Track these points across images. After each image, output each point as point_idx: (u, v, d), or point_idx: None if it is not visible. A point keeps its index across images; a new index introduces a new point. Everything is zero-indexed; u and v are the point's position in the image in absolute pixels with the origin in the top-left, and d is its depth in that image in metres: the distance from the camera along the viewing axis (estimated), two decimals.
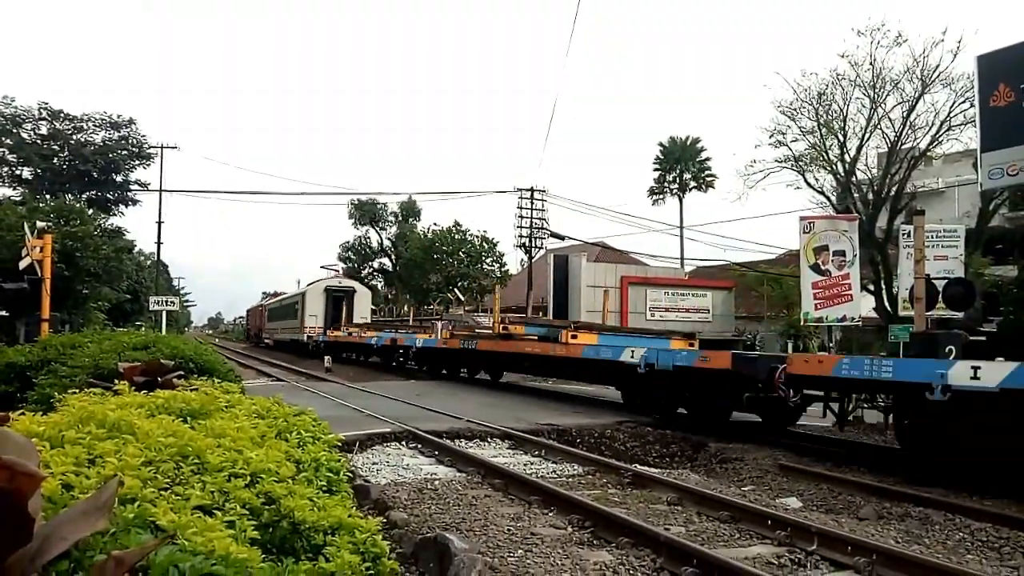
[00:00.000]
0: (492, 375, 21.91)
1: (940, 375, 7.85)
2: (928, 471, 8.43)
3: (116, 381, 4.39)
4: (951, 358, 8.83)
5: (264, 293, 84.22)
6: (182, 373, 5.52)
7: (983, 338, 13.68)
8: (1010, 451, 7.62)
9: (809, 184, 25.43)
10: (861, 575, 5.01)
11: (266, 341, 54.75)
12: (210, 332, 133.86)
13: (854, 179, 24.39)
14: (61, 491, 2.10)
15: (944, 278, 14.07)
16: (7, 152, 39.01)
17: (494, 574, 4.74)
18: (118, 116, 40.94)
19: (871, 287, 23.26)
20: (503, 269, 45.87)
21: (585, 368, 15.82)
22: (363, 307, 41.79)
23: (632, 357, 12.70)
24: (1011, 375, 7.32)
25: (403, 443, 10.11)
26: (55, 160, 39.36)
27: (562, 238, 38.72)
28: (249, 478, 2.52)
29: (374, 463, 8.92)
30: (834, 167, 24.46)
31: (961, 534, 6.34)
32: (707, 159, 53.48)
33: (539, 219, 38.80)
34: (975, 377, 7.56)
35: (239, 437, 2.91)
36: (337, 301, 40.87)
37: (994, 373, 7.48)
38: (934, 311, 13.34)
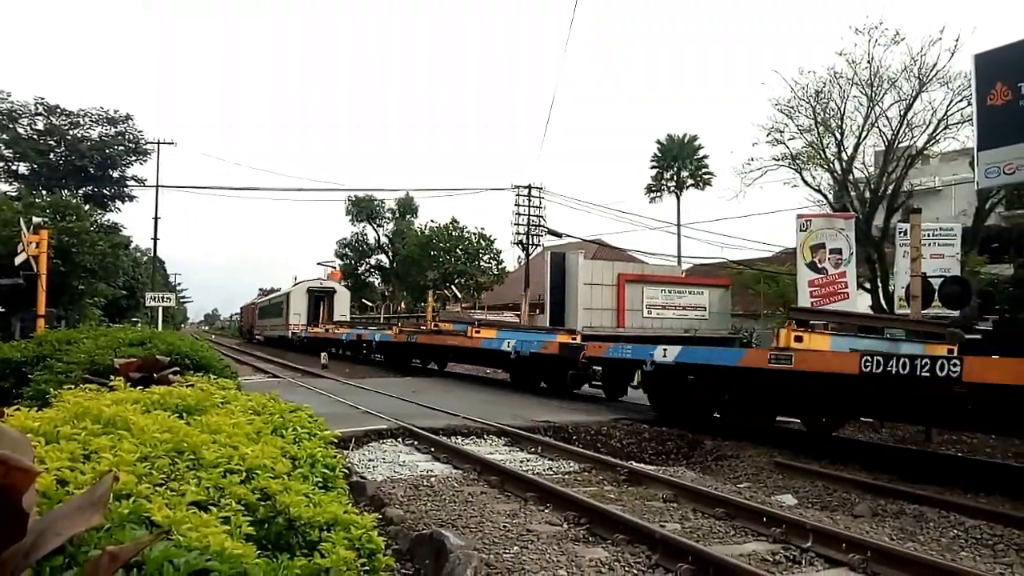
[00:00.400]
0: (439, 365, 24.92)
1: (650, 355, 12.03)
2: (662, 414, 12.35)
3: (112, 377, 4.38)
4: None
5: (260, 290, 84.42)
6: (178, 369, 5.52)
7: (979, 336, 13.76)
8: (685, 396, 12.02)
9: (806, 182, 25.49)
10: (856, 572, 5.02)
11: (257, 337, 57.65)
12: (206, 328, 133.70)
13: (851, 177, 24.42)
14: (56, 487, 2.10)
15: (940, 276, 14.12)
16: (3, 147, 38.92)
17: (490, 571, 4.74)
18: (115, 112, 40.95)
19: (867, 285, 23.30)
20: (500, 266, 45.90)
21: (483, 355, 20.16)
22: (342, 306, 45.58)
23: (507, 346, 17.07)
24: (679, 353, 11.64)
25: (399, 440, 10.11)
26: (51, 155, 39.28)
27: (559, 235, 38.76)
28: (244, 474, 2.52)
29: (370, 460, 8.92)
30: (831, 165, 24.50)
31: (955, 531, 6.36)
32: (704, 157, 53.53)
33: (536, 216, 38.85)
34: (664, 356, 11.72)
35: (235, 433, 2.90)
36: (318, 301, 45.14)
37: (672, 353, 11.69)
38: (930, 309, 13.39)
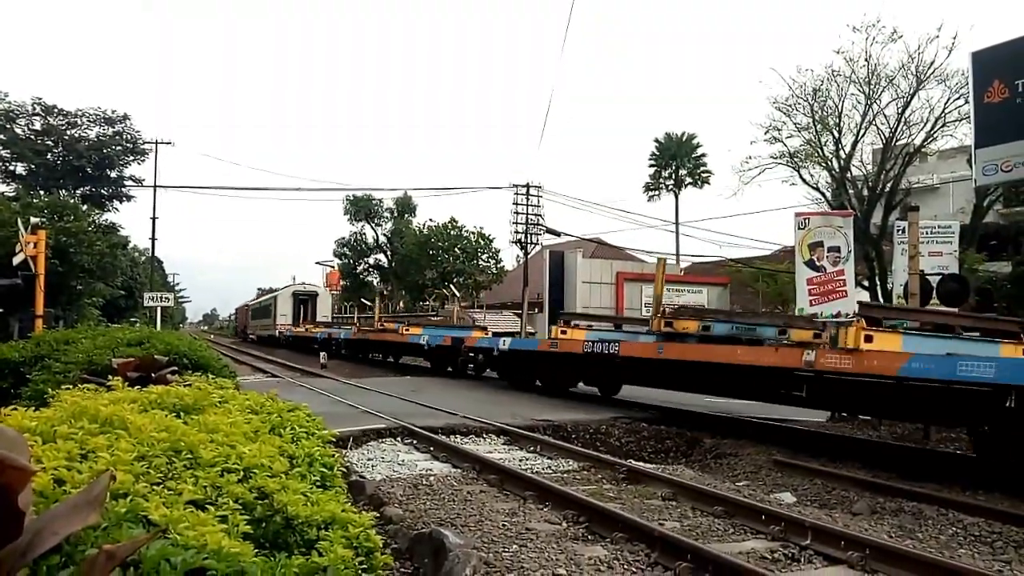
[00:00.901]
0: (394, 358, 28.81)
1: (496, 344, 18.09)
2: (513, 384, 17.78)
3: (110, 377, 4.37)
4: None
5: (259, 289, 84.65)
6: (176, 369, 5.50)
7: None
8: (517, 370, 17.75)
9: (804, 180, 25.44)
10: (854, 570, 5.03)
11: (251, 336, 62.62)
12: (205, 328, 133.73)
13: (849, 175, 24.39)
14: (53, 486, 2.09)
15: (938, 274, 14.12)
16: (0, 148, 38.83)
17: (489, 569, 4.74)
18: (112, 111, 40.85)
19: (866, 283, 23.28)
20: (499, 265, 45.87)
21: (410, 348, 25.21)
22: (324, 308, 51.05)
23: (423, 340, 22.73)
24: (510, 344, 17.76)
25: (398, 439, 10.11)
26: (49, 156, 39.18)
27: (558, 234, 38.74)
28: (242, 473, 2.51)
29: (369, 459, 8.92)
30: (829, 163, 24.45)
31: (954, 529, 6.37)
32: (703, 155, 53.45)
33: (535, 215, 38.81)
34: (503, 345, 17.74)
35: (232, 432, 2.89)
36: (302, 303, 50.79)
37: (507, 343, 17.82)
38: (928, 306, 13.37)
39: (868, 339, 8.86)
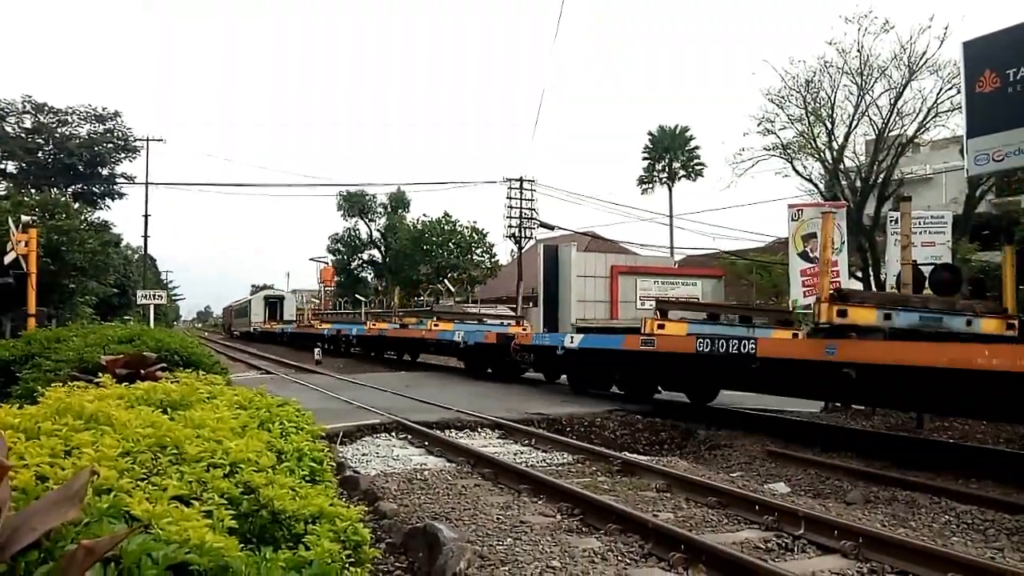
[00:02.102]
0: (323, 344, 35.32)
1: (352, 330, 29.89)
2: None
3: (100, 374, 4.33)
4: None
5: (253, 286, 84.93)
6: (165, 365, 5.47)
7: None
8: (368, 347, 29.68)
9: (797, 172, 25.49)
10: (848, 559, 5.04)
11: (235, 332, 71.12)
12: (199, 326, 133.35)
13: (842, 166, 24.43)
14: (35, 482, 2.07)
15: (931, 264, 14.13)
16: None
17: (483, 562, 4.73)
18: (103, 109, 40.66)
19: (859, 274, 23.34)
20: (493, 260, 45.84)
21: (320, 337, 32.51)
22: (290, 309, 60.28)
23: (325, 331, 32.78)
24: (357, 331, 28.69)
25: (393, 434, 10.09)
26: (40, 154, 38.97)
27: (552, 228, 38.74)
28: (228, 468, 2.49)
29: (364, 454, 8.91)
30: (822, 155, 24.49)
31: (947, 517, 6.39)
32: (696, 148, 53.47)
33: (529, 209, 38.80)
34: (355, 332, 29.11)
35: (219, 428, 2.86)
36: (273, 305, 61.10)
37: (356, 331, 28.85)
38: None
39: (436, 325, 21.62)
